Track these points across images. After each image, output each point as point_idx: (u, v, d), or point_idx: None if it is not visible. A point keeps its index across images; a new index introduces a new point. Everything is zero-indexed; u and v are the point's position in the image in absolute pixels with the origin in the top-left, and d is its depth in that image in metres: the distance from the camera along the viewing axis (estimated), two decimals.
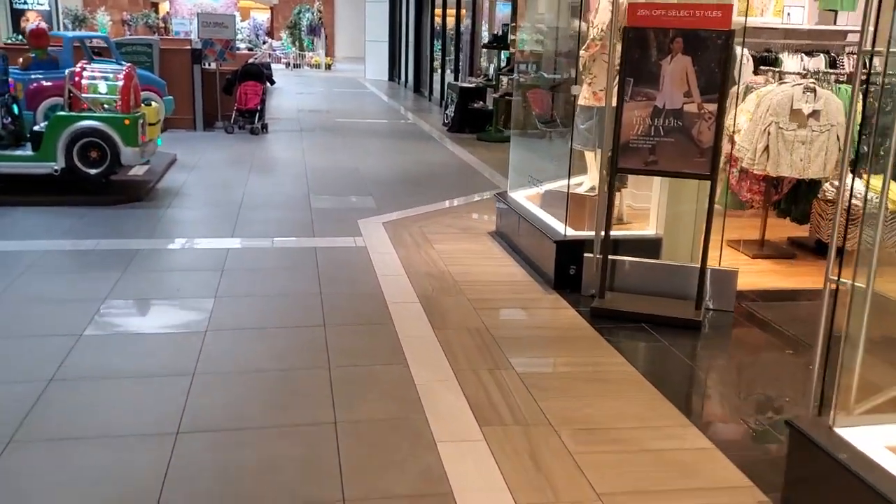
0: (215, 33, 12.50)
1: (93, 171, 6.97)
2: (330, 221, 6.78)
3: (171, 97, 8.80)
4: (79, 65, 7.18)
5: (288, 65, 30.69)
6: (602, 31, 6.36)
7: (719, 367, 4.20)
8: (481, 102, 12.45)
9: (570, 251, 5.13)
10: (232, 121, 12.13)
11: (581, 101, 6.19)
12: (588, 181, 6.65)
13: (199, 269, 5.37)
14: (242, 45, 28.40)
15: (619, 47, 6.15)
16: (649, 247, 5.21)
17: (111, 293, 4.71)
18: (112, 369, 3.71)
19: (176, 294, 4.82)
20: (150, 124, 7.40)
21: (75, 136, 6.85)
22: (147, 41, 11.94)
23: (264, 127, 12.35)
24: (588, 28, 6.25)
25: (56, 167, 6.88)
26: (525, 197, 6.44)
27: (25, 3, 24.68)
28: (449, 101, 13.77)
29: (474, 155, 10.84)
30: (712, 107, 4.37)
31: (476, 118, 12.92)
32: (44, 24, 9.49)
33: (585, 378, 3.76)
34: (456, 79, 16.30)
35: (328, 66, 30.87)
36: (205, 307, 4.53)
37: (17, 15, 24.39)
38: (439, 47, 18.73)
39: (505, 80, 12.58)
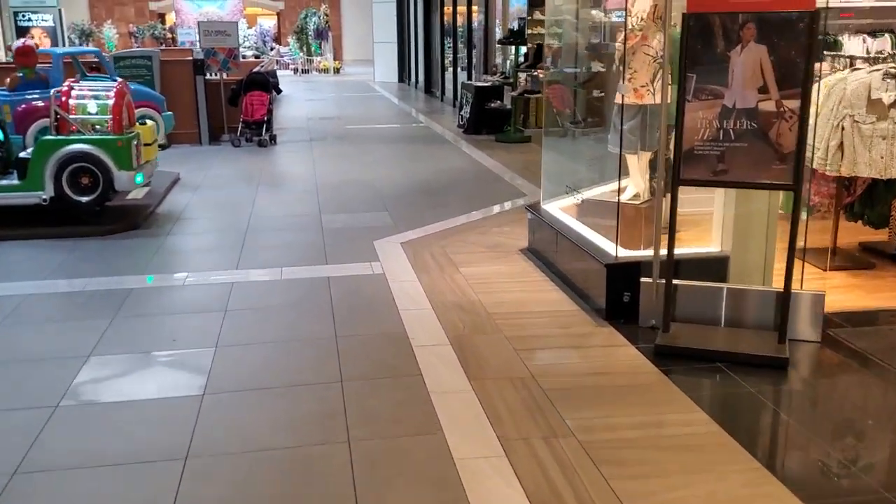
0: (218, 42, 11.89)
1: (84, 199, 6.36)
2: (343, 243, 6.14)
3: (170, 113, 8.19)
4: (66, 83, 6.57)
5: (296, 70, 30.13)
6: (642, 20, 5.66)
7: (823, 419, 3.49)
8: (498, 102, 11.76)
9: (623, 275, 4.44)
10: (238, 133, 11.53)
11: (619, 100, 5.51)
12: (631, 187, 5.97)
13: (198, 310, 4.73)
14: (249, 53, 27.91)
15: (660, 38, 5.49)
16: (713, 267, 4.51)
17: (97, 347, 4.08)
18: (89, 454, 3.07)
19: (171, 345, 4.18)
20: (146, 144, 6.79)
21: (64, 162, 6.25)
22: (146, 53, 11.36)
23: (272, 138, 11.74)
24: (626, 18, 5.57)
25: (44, 196, 6.28)
26: (561, 209, 5.75)
27: (30, 20, 24.27)
28: (463, 101, 13.09)
29: (494, 158, 10.16)
30: (794, 104, 3.66)
31: (493, 118, 12.23)
32: (31, 42, 8.90)
33: (665, 445, 3.08)
34: (469, 78, 15.61)
35: (337, 70, 30.29)
36: (203, 362, 3.88)
37: (21, 32, 23.98)
38: (450, 46, 18.05)
39: (523, 77, 11.90)
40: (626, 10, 5.45)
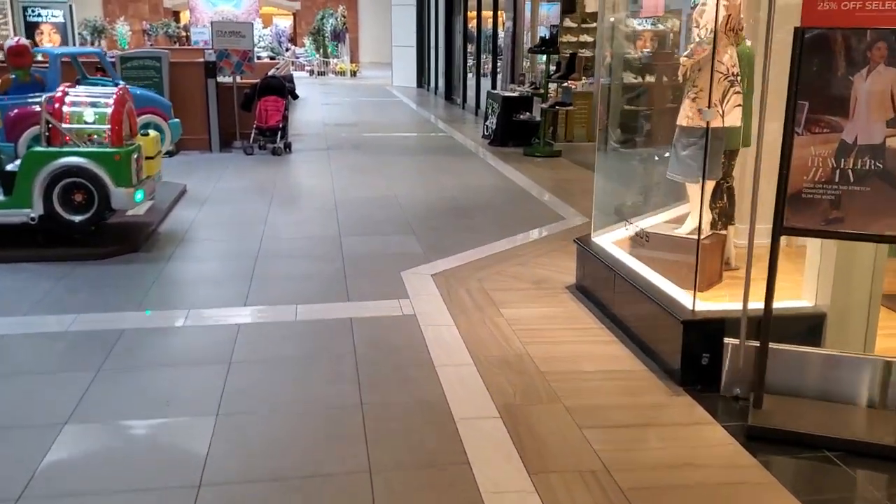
0: (231, 43, 11.26)
1: (77, 218, 5.71)
2: (367, 274, 5.46)
3: (177, 120, 7.53)
4: (59, 88, 5.92)
5: (312, 72, 29.53)
6: (711, 31, 4.94)
7: None
8: (527, 113, 11.08)
9: (702, 333, 3.75)
10: (251, 140, 10.88)
11: (682, 121, 4.82)
12: (691, 220, 5.27)
13: (198, 361, 4.05)
14: (264, 54, 27.32)
15: (732, 53, 4.79)
16: (804, 325, 3.82)
17: (75, 412, 3.41)
18: None
19: (163, 410, 3.50)
20: (149, 158, 6.13)
21: (55, 177, 5.59)
22: (155, 54, 10.73)
23: (287, 146, 11.08)
24: (691, 28, 4.88)
25: (32, 214, 5.63)
26: (616, 242, 5.06)
27: (40, 15, 23.75)
28: (489, 111, 12.42)
29: (524, 174, 9.47)
30: None
31: (520, 130, 11.55)
32: (25, 41, 8.27)
33: None
34: (494, 86, 14.95)
35: (354, 73, 29.68)
36: (200, 440, 3.20)
37: (31, 28, 23.47)
38: (472, 52, 17.39)
39: (553, 87, 11.22)
40: (693, 20, 4.77)
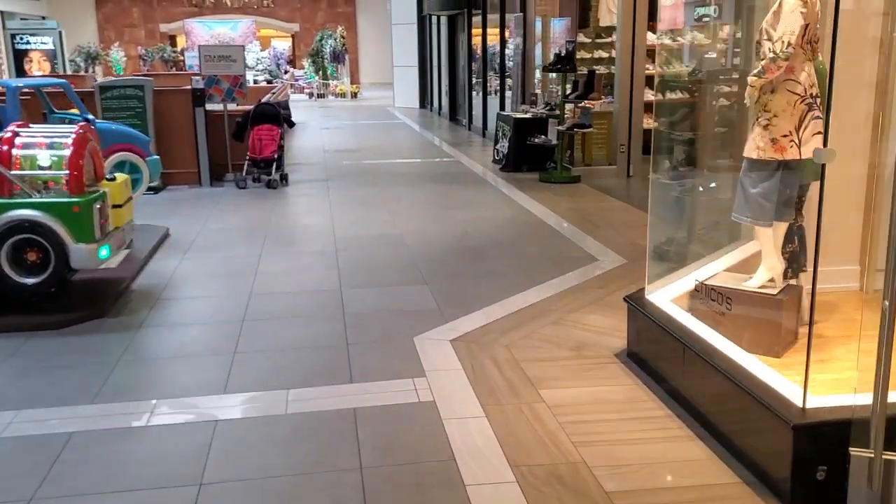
0: (221, 69, 10.44)
1: (30, 281, 4.84)
2: (373, 342, 4.57)
3: (157, 157, 6.67)
4: (8, 128, 5.06)
5: (311, 95, 28.79)
6: (789, 45, 4.04)
7: None
8: (543, 137, 10.21)
9: (816, 439, 2.85)
10: (244, 173, 10.04)
11: (751, 153, 3.94)
12: (763, 270, 4.38)
13: (161, 481, 3.15)
14: (261, 78, 26.60)
15: (810, 70, 3.91)
16: None
17: None
18: None
19: None
20: (116, 206, 5.26)
21: (3, 234, 4.73)
22: (137, 82, 9.91)
23: (283, 178, 10.24)
24: (760, 42, 4.01)
25: None
26: (675, 300, 4.17)
27: (28, 42, 23.05)
28: (499, 134, 11.57)
29: (543, 203, 8.60)
30: None
31: (535, 154, 10.70)
32: None
33: None
34: (502, 107, 14.11)
35: (354, 95, 28.94)
36: None
37: (20, 56, 22.78)
38: (478, 71, 16.59)
39: (570, 108, 10.37)
40: (763, 32, 3.90)
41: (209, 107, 10.53)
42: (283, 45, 37.71)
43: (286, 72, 31.61)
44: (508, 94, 13.97)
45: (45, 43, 22.99)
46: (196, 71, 21.97)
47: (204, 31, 35.56)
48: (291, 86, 29.80)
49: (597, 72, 10.00)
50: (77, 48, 28.06)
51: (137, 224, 7.33)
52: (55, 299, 5.02)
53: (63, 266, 4.82)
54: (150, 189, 9.49)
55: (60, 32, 24.30)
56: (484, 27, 15.34)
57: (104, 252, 4.92)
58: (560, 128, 9.88)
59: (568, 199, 8.90)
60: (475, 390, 3.88)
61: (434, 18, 20.86)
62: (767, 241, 4.36)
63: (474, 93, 16.92)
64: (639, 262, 5.88)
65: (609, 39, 11.50)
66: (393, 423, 3.58)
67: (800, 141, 3.98)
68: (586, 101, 9.73)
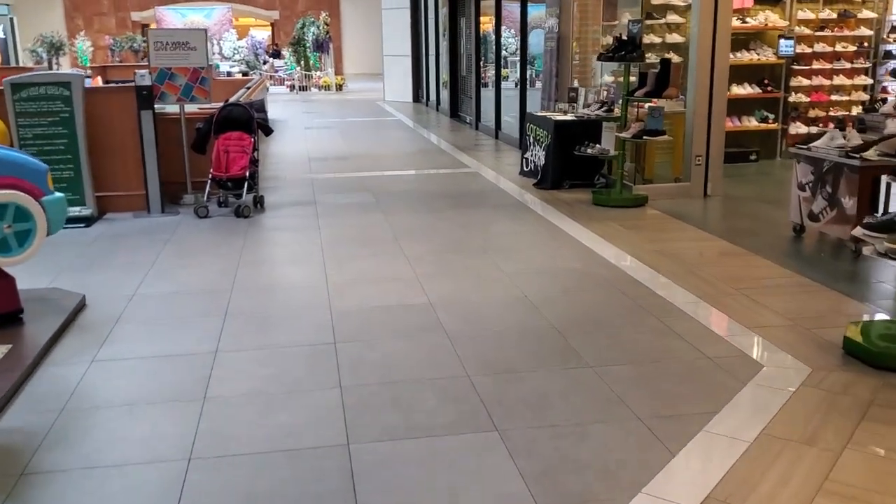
0: (177, 60, 8.02)
1: None
2: None
3: (59, 195, 4.30)
4: None
5: (292, 87, 26.24)
6: None
7: None
8: (597, 146, 7.86)
9: None
10: (206, 196, 7.64)
11: None
12: None
13: None
14: (236, 70, 24.02)
15: None
16: None
17: None
18: None
19: None
20: None
21: None
22: (62, 78, 7.46)
23: (258, 202, 7.86)
24: None
25: None
26: None
27: None
28: (531, 140, 9.23)
29: (614, 242, 6.29)
30: None
31: (579, 166, 8.39)
32: None
33: None
34: (523, 104, 11.75)
35: (339, 87, 26.42)
36: None
37: None
38: (490, 60, 14.23)
39: (636, 109, 8.03)
40: None
41: (161, 108, 8.12)
42: (262, 34, 35.15)
43: (265, 62, 29.03)
44: (533, 90, 11.61)
45: None
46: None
47: (176, 18, 32.92)
48: (271, 77, 27.26)
49: (673, 60, 7.63)
50: (39, 37, 25.33)
51: (41, 286, 4.99)
52: None
53: None
54: (79, 221, 7.09)
55: (12, 20, 21.68)
56: (498, 5, 12.93)
57: None
58: (623, 135, 7.54)
59: (646, 235, 6.57)
60: None
61: (431, 0, 18.46)
62: None
63: (483, 86, 14.56)
64: (839, 367, 3.61)
65: (662, 20, 9.16)
66: None
67: None
68: (661, 99, 7.39)
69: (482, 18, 14.67)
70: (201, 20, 33.13)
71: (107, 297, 5.08)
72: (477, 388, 3.70)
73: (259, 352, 4.23)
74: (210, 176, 7.57)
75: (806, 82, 10.42)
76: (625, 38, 7.57)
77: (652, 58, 8.31)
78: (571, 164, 8.44)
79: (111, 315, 4.75)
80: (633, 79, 7.77)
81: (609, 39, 9.65)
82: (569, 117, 8.68)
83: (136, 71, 7.58)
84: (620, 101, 7.88)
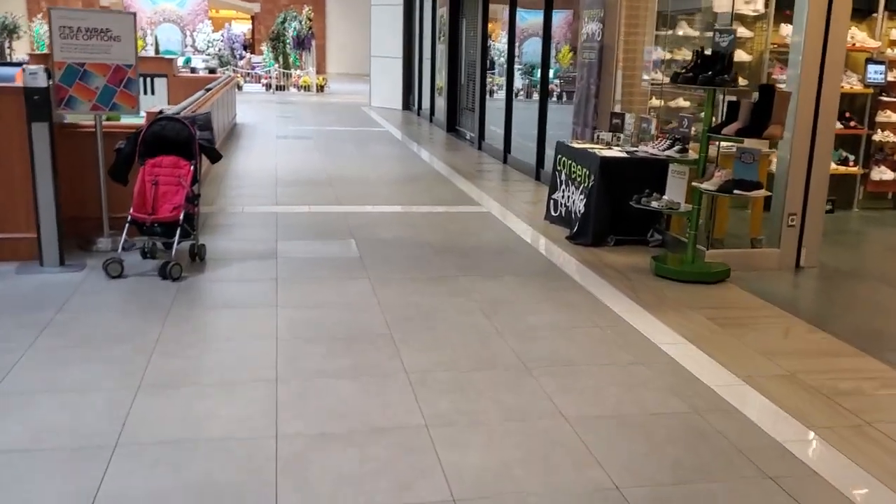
0: (93, 53, 5.84)
1: None
2: None
3: None
4: None
5: (268, 86, 24.00)
6: None
7: None
8: (663, 198, 5.78)
9: None
10: (121, 245, 5.45)
11: None
12: None
13: None
14: (202, 66, 21.76)
15: None
16: None
17: None
18: None
19: None
20: None
21: None
22: None
23: (197, 253, 5.69)
24: None
25: None
26: None
27: None
28: (562, 178, 7.16)
29: (719, 357, 4.22)
30: None
31: (629, 218, 6.34)
32: None
33: None
34: (542, 124, 9.68)
35: (321, 88, 24.23)
36: None
37: None
38: (502, 70, 12.19)
39: (718, 150, 5.96)
40: None
41: (66, 120, 5.96)
42: (243, 27, 32.92)
43: (241, 57, 26.75)
44: (553, 104, 9.56)
45: None
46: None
47: (146, 6, 30.53)
48: (248, 74, 25.02)
49: (778, 88, 5.56)
50: None
51: None
52: None
53: None
54: None
55: None
56: (513, 5, 10.85)
57: None
58: (705, 186, 5.47)
59: (754, 339, 4.49)
60: None
61: None
62: None
63: (489, 98, 12.48)
64: None
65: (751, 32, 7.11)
66: None
67: None
68: (756, 139, 5.33)
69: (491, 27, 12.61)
70: (173, 9, 30.80)
71: None
72: None
73: None
74: (129, 216, 5.39)
75: None
76: (707, 52, 5.52)
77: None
78: (620, 214, 6.38)
79: None
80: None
81: (658, 53, 7.62)
82: (616, 152, 6.61)
83: (25, 67, 5.35)
84: (699, 138, 5.82)
